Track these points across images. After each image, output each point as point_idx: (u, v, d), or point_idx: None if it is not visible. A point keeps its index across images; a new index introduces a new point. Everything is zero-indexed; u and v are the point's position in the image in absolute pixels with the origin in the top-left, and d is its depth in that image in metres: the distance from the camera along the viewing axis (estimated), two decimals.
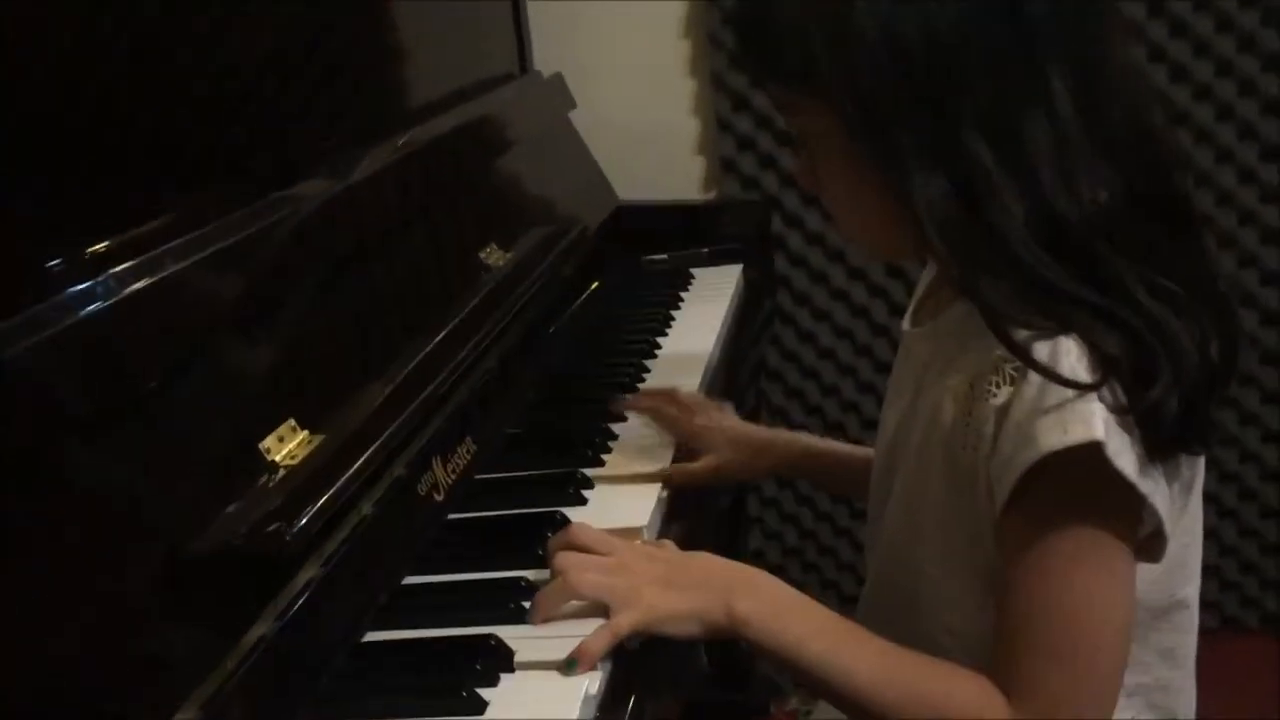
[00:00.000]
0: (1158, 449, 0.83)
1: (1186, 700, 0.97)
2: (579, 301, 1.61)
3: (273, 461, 0.89)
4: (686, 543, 1.02)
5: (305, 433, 0.93)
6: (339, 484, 0.87)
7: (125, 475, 0.80)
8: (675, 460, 1.19)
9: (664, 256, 1.81)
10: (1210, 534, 1.94)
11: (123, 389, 0.80)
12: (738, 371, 1.57)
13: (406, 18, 1.45)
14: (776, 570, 2.02)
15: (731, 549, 1.84)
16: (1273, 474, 1.95)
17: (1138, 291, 0.82)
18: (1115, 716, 0.87)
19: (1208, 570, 2.02)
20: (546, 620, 0.91)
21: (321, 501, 0.84)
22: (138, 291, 0.84)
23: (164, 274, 0.87)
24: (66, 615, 0.72)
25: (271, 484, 0.87)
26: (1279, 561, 1.97)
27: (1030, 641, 0.84)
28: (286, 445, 0.90)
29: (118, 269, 0.85)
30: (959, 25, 0.83)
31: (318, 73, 1.21)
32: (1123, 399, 0.81)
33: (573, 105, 1.82)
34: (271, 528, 0.81)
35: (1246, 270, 1.88)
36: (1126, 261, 0.83)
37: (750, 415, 1.83)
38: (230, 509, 0.83)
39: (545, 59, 1.84)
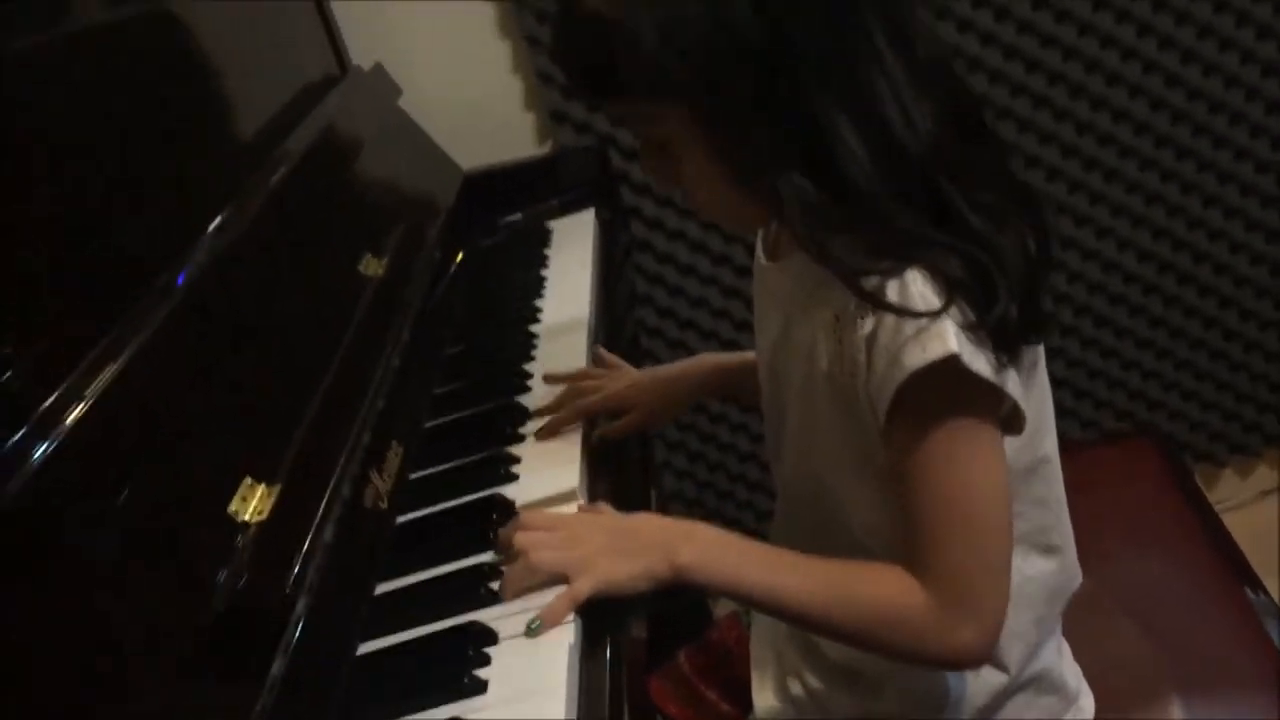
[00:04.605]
0: (1004, 348, 0.92)
1: (1063, 536, 1.10)
2: (447, 279, 1.65)
3: (244, 521, 0.94)
4: (614, 496, 1.11)
5: (263, 485, 0.98)
6: (313, 528, 0.94)
7: (121, 571, 0.84)
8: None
9: (518, 216, 1.86)
10: (1080, 363, 2.14)
11: (100, 499, 0.85)
12: (613, 306, 1.64)
13: (223, 55, 1.44)
14: (693, 503, 2.15)
15: (644, 493, 1.94)
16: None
17: (969, 216, 0.91)
18: None
19: (1084, 395, 2.22)
20: (517, 597, 0.98)
21: (304, 549, 0.92)
22: (88, 408, 0.86)
23: (101, 384, 0.89)
24: (112, 693, 0.78)
25: (249, 542, 0.92)
26: (1141, 373, 2.17)
27: (929, 526, 0.94)
28: (251, 502, 0.96)
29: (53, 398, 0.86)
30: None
31: (164, 145, 1.21)
32: (970, 315, 0.90)
33: (399, 92, 1.84)
34: (268, 583, 0.89)
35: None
36: (956, 187, 0.91)
37: (631, 340, 1.91)
38: (222, 576, 0.89)
39: (359, 52, 1.84)
